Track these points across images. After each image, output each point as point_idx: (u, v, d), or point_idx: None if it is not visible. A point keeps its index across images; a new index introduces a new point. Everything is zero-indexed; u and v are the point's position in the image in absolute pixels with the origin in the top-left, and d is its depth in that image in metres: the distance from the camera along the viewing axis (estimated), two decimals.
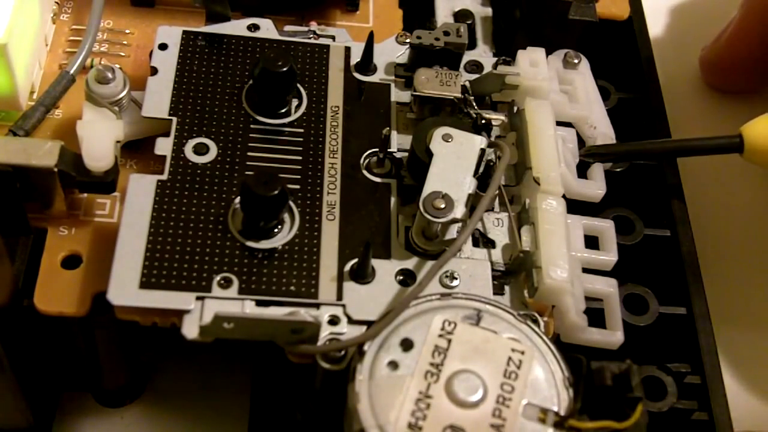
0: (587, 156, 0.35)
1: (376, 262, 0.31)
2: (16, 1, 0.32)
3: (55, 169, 0.30)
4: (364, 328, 0.29)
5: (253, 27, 0.36)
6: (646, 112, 0.39)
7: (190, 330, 0.28)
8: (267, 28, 0.36)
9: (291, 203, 0.31)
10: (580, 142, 0.35)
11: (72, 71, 0.34)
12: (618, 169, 0.37)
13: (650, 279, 0.34)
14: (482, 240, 0.32)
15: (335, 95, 0.35)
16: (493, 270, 0.31)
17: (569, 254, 0.31)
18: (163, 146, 0.32)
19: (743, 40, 0.43)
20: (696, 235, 0.36)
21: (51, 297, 0.30)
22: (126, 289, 0.29)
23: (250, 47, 0.35)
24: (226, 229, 0.31)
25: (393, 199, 0.32)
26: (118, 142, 0.32)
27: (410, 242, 0.31)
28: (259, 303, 0.29)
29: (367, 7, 0.40)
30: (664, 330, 0.33)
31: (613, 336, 0.31)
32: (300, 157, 0.33)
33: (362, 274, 0.30)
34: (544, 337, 0.29)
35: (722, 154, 0.37)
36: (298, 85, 0.34)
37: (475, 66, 0.36)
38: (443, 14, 0.39)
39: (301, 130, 0.33)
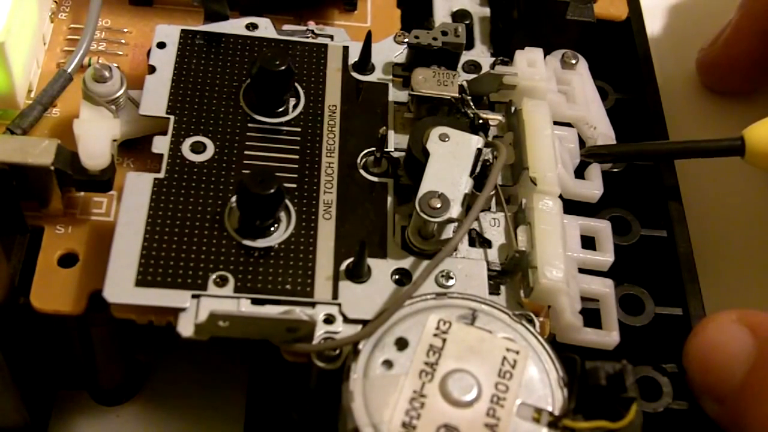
0: (588, 156, 0.35)
1: (372, 261, 0.31)
2: None
3: (52, 168, 0.30)
4: (359, 327, 0.29)
5: (252, 26, 0.36)
6: (643, 112, 0.39)
7: (186, 328, 0.28)
8: (265, 27, 0.36)
9: (287, 202, 0.31)
10: (581, 142, 0.35)
11: (69, 70, 0.34)
12: (615, 170, 0.37)
13: (646, 279, 0.34)
14: (478, 240, 0.32)
15: (333, 94, 0.35)
16: (489, 270, 0.31)
17: (565, 254, 0.31)
18: (160, 145, 0.32)
19: (740, 41, 0.43)
20: (692, 236, 0.35)
21: (47, 295, 0.30)
22: (122, 287, 0.29)
23: (248, 46, 0.35)
24: (223, 227, 0.31)
25: (389, 199, 0.32)
26: (114, 140, 0.32)
27: (406, 242, 0.31)
28: (254, 301, 0.29)
29: (366, 6, 0.40)
30: (660, 331, 0.33)
31: (608, 336, 0.31)
32: (297, 156, 0.33)
33: (358, 273, 0.30)
34: (539, 337, 0.29)
35: (722, 157, 0.37)
36: (296, 84, 0.34)
37: (473, 66, 0.36)
38: (441, 14, 0.39)
39: (299, 129, 0.33)
